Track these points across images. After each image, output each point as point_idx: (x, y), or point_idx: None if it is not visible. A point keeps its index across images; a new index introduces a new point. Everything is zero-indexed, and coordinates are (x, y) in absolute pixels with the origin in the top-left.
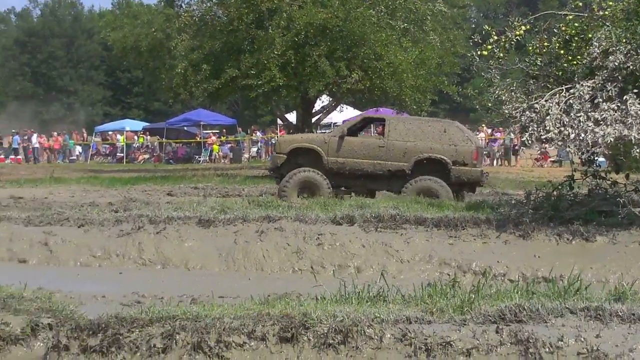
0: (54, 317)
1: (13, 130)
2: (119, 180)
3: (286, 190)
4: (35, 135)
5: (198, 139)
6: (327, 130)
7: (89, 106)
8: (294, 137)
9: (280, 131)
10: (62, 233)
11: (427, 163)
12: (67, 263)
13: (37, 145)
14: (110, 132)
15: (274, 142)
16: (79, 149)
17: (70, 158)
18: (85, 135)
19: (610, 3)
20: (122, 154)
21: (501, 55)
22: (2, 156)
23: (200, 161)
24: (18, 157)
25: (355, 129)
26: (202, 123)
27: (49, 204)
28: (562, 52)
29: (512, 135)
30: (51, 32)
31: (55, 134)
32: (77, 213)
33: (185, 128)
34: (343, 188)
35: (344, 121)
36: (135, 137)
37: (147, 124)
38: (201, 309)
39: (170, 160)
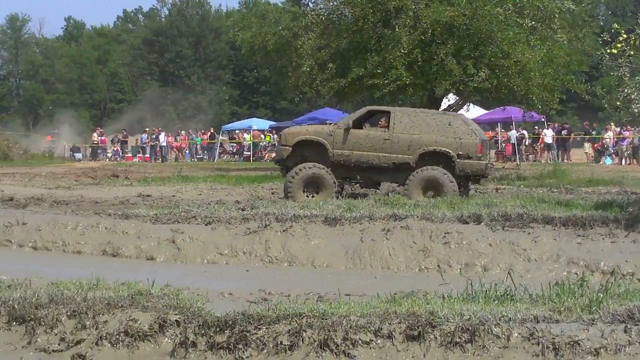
0: (181, 313)
1: (146, 129)
2: (246, 179)
3: (291, 187)
4: (162, 134)
5: None
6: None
7: (216, 105)
8: (300, 129)
9: None
10: (190, 231)
11: (431, 156)
12: (194, 260)
13: (164, 143)
14: (237, 131)
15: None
16: (204, 147)
17: (197, 156)
18: (212, 134)
19: None
20: (248, 153)
21: (631, 53)
22: (130, 154)
23: None
24: (146, 155)
25: (360, 121)
26: (328, 122)
27: (177, 202)
28: None
29: None
30: (179, 32)
31: (182, 132)
32: (204, 211)
33: None
34: (347, 179)
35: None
36: (262, 136)
37: (274, 122)
38: (328, 307)
39: None
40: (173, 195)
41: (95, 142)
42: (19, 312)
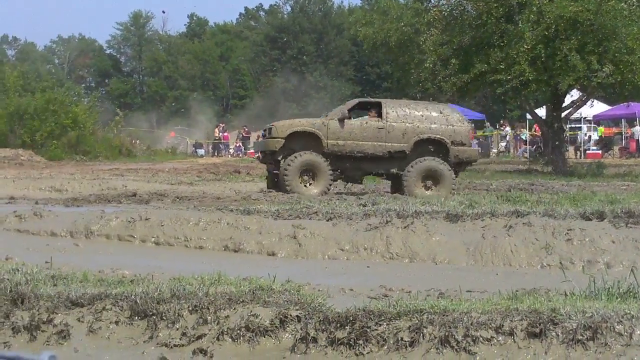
0: (302, 309)
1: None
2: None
3: (288, 176)
4: None
5: None
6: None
7: (338, 101)
8: (292, 122)
9: (535, 127)
10: (311, 226)
11: (426, 143)
12: (315, 256)
13: None
14: None
15: (522, 136)
16: None
17: None
18: None
19: None
20: None
21: None
22: (252, 150)
23: None
24: None
25: (350, 112)
26: None
27: (298, 198)
28: None
29: None
30: (301, 28)
31: None
32: (325, 207)
33: None
34: (338, 172)
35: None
36: None
37: None
38: (449, 303)
39: None
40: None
41: (218, 138)
42: (141, 307)
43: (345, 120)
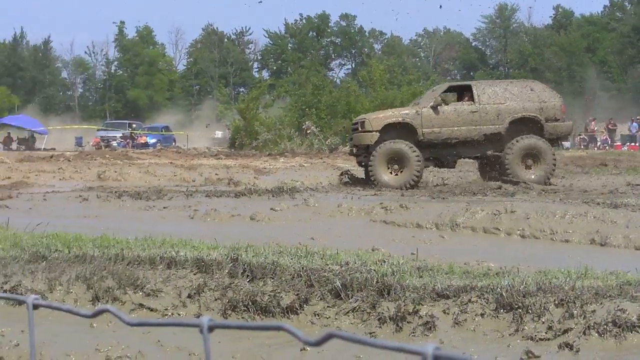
0: None
1: (636, 118)
2: None
3: (373, 166)
4: None
5: None
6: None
7: None
8: (385, 114)
9: None
10: None
11: (520, 123)
12: None
13: None
14: None
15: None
16: None
17: None
18: None
19: None
20: None
21: None
22: (619, 143)
23: None
24: (635, 144)
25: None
26: None
27: None
28: None
29: None
30: None
31: None
32: None
33: None
34: (431, 159)
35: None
36: None
37: None
38: None
39: None
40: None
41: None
42: (507, 300)
43: (439, 107)
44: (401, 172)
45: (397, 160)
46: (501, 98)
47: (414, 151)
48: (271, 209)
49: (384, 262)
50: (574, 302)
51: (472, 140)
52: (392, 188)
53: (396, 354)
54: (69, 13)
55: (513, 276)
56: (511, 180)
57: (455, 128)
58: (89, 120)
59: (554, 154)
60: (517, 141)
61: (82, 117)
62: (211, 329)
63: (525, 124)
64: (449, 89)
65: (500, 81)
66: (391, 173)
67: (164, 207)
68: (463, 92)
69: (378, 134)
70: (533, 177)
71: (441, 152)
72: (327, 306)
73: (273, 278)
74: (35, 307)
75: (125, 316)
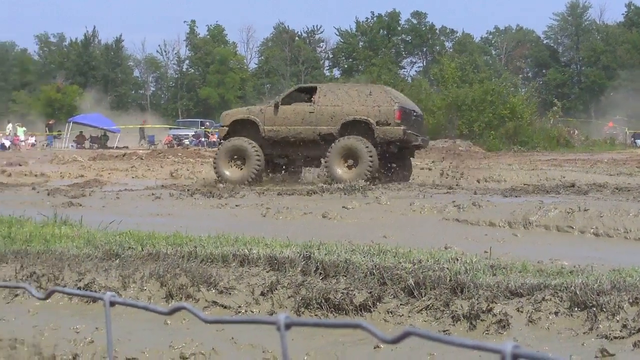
0: None
1: None
2: None
3: (217, 161)
4: None
5: None
6: None
7: None
8: (237, 110)
9: None
10: None
11: (353, 125)
12: None
13: None
14: None
15: None
16: None
17: None
18: None
19: None
20: None
21: None
22: None
23: None
24: None
25: (289, 99)
26: None
27: None
28: None
29: None
30: None
31: None
32: None
33: None
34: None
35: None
36: None
37: None
38: None
39: None
40: None
41: None
42: (581, 298)
43: (280, 107)
44: (242, 167)
45: (238, 157)
46: (339, 101)
47: (254, 147)
48: (343, 207)
49: (457, 260)
50: None
51: (311, 140)
52: (232, 183)
53: (470, 352)
54: (140, 12)
55: (587, 274)
56: (326, 180)
57: (293, 127)
58: (161, 119)
59: (371, 155)
60: (337, 142)
61: (154, 115)
62: (288, 326)
63: (357, 127)
64: (299, 90)
65: (346, 84)
66: (232, 167)
67: (236, 205)
68: (312, 94)
69: (227, 129)
70: (351, 176)
71: (287, 151)
72: (400, 304)
73: (346, 276)
74: (112, 304)
75: (201, 314)
